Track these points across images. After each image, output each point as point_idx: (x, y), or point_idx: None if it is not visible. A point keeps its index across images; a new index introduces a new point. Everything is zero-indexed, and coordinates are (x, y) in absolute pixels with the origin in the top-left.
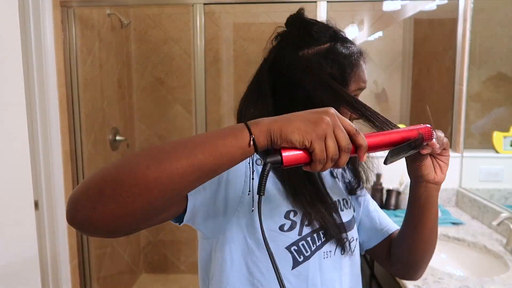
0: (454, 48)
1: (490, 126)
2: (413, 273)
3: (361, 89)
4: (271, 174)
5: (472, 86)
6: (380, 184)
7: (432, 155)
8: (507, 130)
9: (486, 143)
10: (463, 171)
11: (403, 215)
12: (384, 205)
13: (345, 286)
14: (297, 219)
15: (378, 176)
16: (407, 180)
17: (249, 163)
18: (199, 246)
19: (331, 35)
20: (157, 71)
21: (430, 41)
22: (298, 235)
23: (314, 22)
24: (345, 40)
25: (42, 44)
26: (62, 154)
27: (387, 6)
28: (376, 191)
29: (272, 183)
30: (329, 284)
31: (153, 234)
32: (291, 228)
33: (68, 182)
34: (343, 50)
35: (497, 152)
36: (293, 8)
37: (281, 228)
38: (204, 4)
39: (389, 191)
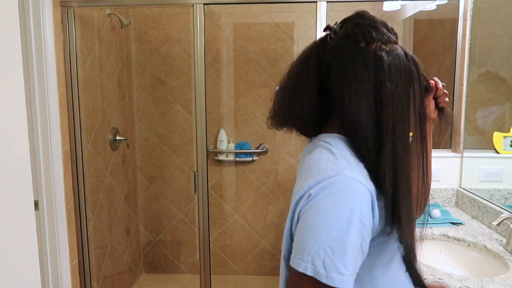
0: (454, 48)
1: (490, 126)
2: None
3: None
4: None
5: (472, 86)
6: None
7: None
8: (507, 130)
9: (486, 143)
10: (463, 171)
11: None
12: None
13: None
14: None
15: None
16: None
17: None
18: None
19: (395, 35)
20: (157, 71)
21: (430, 41)
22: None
23: (383, 20)
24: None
25: (42, 44)
26: (62, 154)
27: (387, 6)
28: None
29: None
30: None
31: (153, 234)
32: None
33: (68, 182)
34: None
35: (497, 152)
36: (293, 8)
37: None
38: (204, 4)
39: None
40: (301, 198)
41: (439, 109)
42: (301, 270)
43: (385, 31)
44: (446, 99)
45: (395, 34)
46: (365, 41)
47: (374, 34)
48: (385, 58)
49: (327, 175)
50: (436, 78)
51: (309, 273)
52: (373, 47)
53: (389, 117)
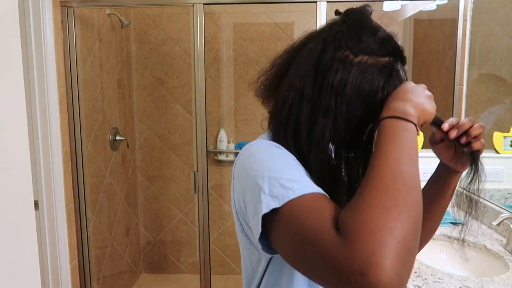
0: (454, 48)
1: (490, 126)
2: (423, 244)
3: None
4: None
5: (472, 86)
6: None
7: (457, 143)
8: (507, 130)
9: (486, 143)
10: (463, 171)
11: None
12: None
13: None
14: None
15: None
16: None
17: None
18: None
19: (394, 48)
20: (157, 71)
21: (430, 41)
22: None
23: (378, 26)
24: (403, 60)
25: (42, 44)
26: (62, 154)
27: (387, 6)
28: None
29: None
30: None
31: (153, 234)
32: None
33: (68, 182)
34: (401, 72)
35: (497, 152)
36: (293, 8)
37: None
38: (204, 4)
39: None
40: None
41: (470, 153)
42: (266, 210)
43: (369, 40)
44: (482, 140)
45: (391, 45)
46: (333, 46)
47: (344, 40)
48: (341, 71)
49: (242, 150)
50: (451, 121)
51: (277, 203)
52: (337, 54)
53: (319, 126)
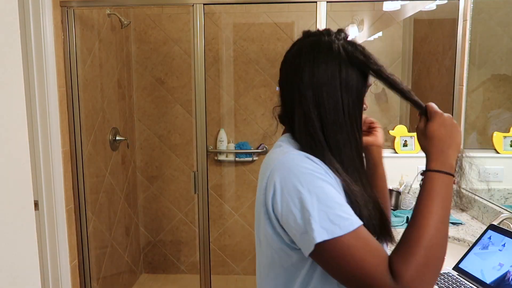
0: (454, 48)
1: (490, 126)
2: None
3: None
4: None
5: (472, 86)
6: None
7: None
8: (507, 130)
9: (486, 143)
10: None
11: (403, 215)
12: None
13: None
14: None
15: None
16: (407, 180)
17: None
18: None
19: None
20: (157, 71)
21: (430, 41)
22: None
23: (318, 33)
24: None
25: (42, 44)
26: (62, 154)
27: (387, 6)
28: None
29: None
30: None
31: (153, 234)
32: None
33: (68, 182)
34: (354, 50)
35: (497, 152)
36: (293, 8)
37: None
38: (204, 4)
39: (389, 191)
40: (265, 189)
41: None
42: (319, 240)
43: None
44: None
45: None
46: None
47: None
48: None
49: (277, 160)
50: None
51: (326, 236)
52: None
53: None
